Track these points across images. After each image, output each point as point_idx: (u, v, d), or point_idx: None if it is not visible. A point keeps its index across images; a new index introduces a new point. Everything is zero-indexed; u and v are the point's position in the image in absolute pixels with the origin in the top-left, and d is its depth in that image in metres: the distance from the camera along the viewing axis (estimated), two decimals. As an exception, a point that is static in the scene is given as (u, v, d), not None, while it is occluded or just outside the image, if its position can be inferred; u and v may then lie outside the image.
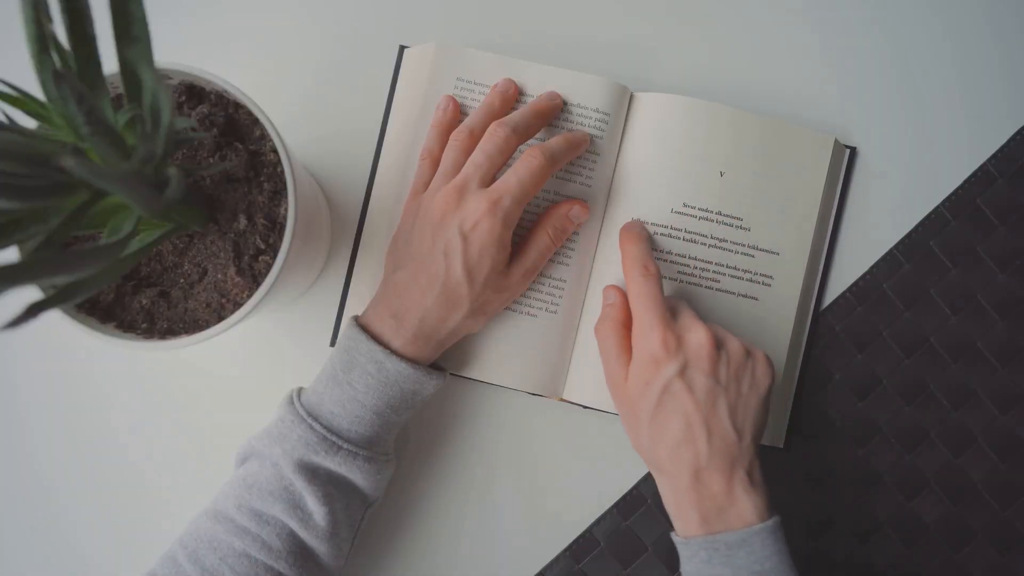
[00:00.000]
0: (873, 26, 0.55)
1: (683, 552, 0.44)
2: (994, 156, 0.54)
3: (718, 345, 0.44)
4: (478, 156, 0.47)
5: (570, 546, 0.53)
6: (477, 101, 0.52)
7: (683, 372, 0.43)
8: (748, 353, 0.45)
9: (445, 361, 0.51)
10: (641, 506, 0.53)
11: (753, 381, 0.44)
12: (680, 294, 0.51)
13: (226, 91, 0.42)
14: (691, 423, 0.43)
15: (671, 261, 0.51)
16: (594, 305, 0.52)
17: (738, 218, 0.51)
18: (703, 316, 0.51)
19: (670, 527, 0.46)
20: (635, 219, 0.51)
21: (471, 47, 0.53)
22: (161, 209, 0.33)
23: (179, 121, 0.37)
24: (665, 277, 0.51)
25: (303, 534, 0.44)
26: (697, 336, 0.44)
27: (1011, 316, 0.54)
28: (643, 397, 0.44)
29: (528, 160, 0.46)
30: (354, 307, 0.53)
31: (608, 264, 0.51)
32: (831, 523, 0.53)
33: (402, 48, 0.54)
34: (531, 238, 0.49)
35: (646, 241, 0.48)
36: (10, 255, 0.46)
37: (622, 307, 0.48)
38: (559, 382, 0.52)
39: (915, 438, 0.54)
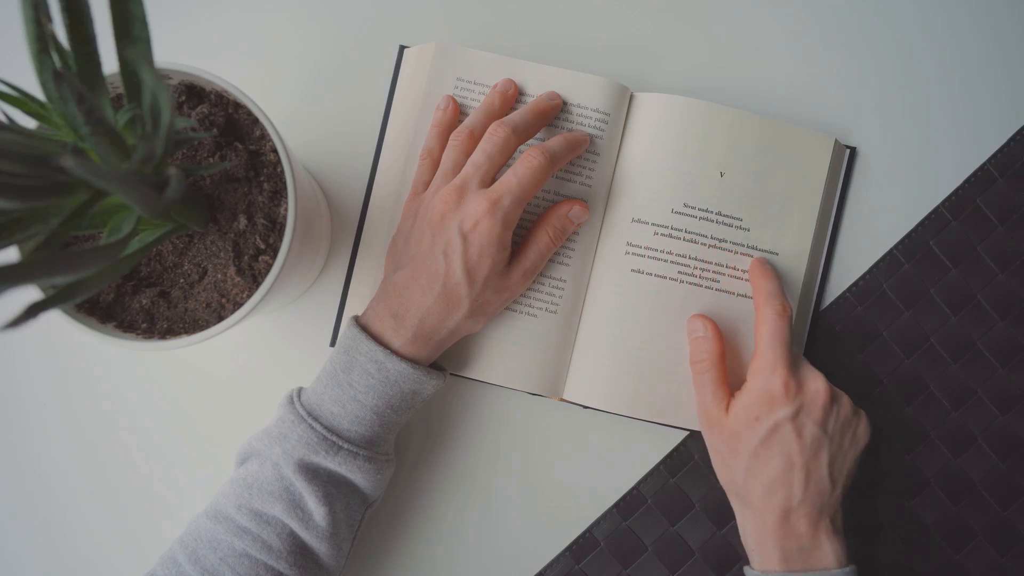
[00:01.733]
0: (873, 26, 0.55)
1: None
2: (994, 156, 0.54)
3: (833, 398, 0.46)
4: (478, 156, 0.47)
5: (570, 546, 0.53)
6: (477, 101, 0.52)
7: (796, 416, 0.45)
8: (855, 411, 0.47)
9: (445, 361, 0.51)
10: (641, 506, 0.53)
11: (854, 437, 0.47)
12: (680, 294, 0.51)
13: (226, 91, 0.42)
14: (792, 466, 0.45)
15: (671, 261, 0.51)
16: (594, 305, 0.52)
17: (738, 218, 0.51)
18: (703, 316, 0.51)
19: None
20: (764, 257, 0.51)
21: (471, 47, 0.53)
22: (161, 209, 0.33)
23: (179, 121, 0.37)
24: (665, 277, 0.51)
25: (303, 534, 0.44)
26: (817, 386, 0.46)
27: (1011, 316, 0.54)
28: (749, 431, 0.45)
29: (528, 160, 0.46)
30: (354, 307, 0.53)
31: (608, 264, 0.51)
32: (831, 523, 0.53)
33: (402, 48, 0.54)
34: (531, 238, 0.49)
35: (778, 279, 0.50)
36: (10, 255, 0.46)
37: (716, 339, 0.49)
38: (559, 382, 0.52)
39: (915, 438, 0.54)
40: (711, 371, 0.48)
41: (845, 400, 0.47)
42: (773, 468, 0.45)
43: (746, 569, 0.47)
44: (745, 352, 0.51)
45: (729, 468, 0.47)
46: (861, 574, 0.53)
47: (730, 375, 0.49)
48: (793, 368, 0.46)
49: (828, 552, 0.45)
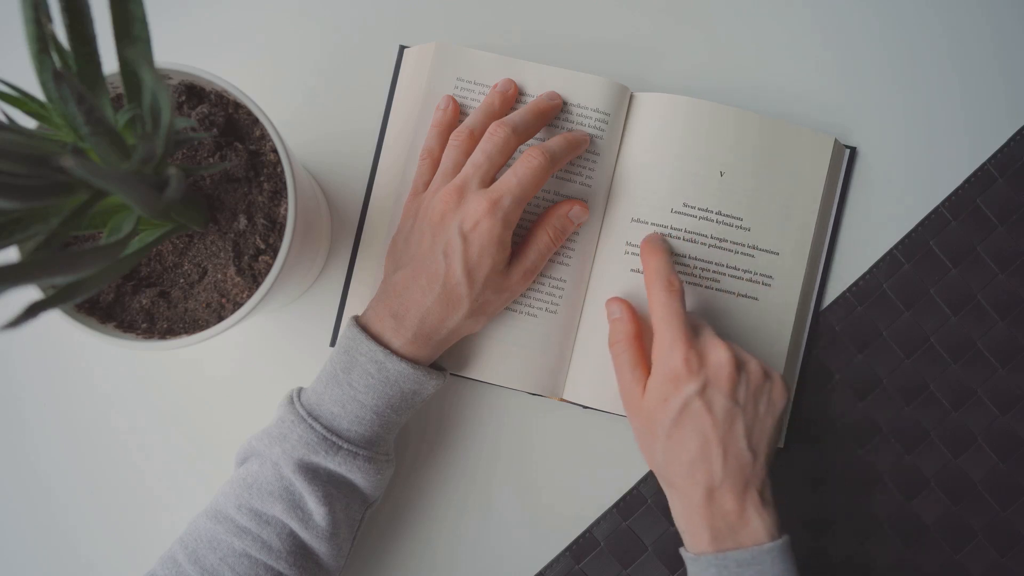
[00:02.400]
0: (873, 26, 0.55)
1: (692, 568, 0.44)
2: (994, 156, 0.54)
3: (739, 365, 0.44)
4: (478, 156, 0.47)
5: (570, 546, 0.53)
6: (477, 101, 0.52)
7: (703, 391, 0.43)
8: (766, 375, 0.45)
9: (445, 361, 0.51)
10: (641, 506, 0.53)
11: (770, 403, 0.45)
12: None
13: (226, 91, 0.42)
14: (708, 442, 0.43)
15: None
16: (594, 305, 0.52)
17: (738, 218, 0.51)
18: (703, 316, 0.51)
19: (679, 542, 0.46)
20: (656, 232, 0.51)
21: (471, 47, 0.53)
22: (161, 209, 0.33)
23: (179, 121, 0.37)
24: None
25: (303, 534, 0.44)
26: (719, 356, 0.44)
27: (1011, 316, 0.54)
28: (661, 413, 0.44)
29: (528, 160, 0.46)
30: (354, 307, 0.53)
31: (608, 264, 0.51)
32: (831, 523, 0.53)
33: (402, 48, 0.54)
34: (531, 238, 0.49)
35: (668, 254, 0.48)
36: (10, 255, 0.46)
37: (631, 320, 0.48)
38: (559, 382, 0.52)
39: (915, 438, 0.54)
40: (627, 352, 0.47)
41: (754, 365, 0.45)
42: (690, 447, 0.43)
43: (680, 551, 0.46)
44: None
45: (651, 450, 0.46)
46: (861, 574, 0.53)
47: None
48: (693, 342, 0.44)
49: (758, 526, 0.43)
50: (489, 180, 0.47)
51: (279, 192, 0.43)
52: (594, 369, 0.51)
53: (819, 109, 0.55)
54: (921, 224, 0.54)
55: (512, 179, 0.45)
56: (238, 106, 0.44)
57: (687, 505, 0.44)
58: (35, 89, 0.33)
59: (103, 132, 0.30)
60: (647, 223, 0.51)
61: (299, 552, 0.44)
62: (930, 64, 0.55)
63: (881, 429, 0.54)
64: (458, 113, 0.52)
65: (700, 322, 0.47)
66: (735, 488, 0.43)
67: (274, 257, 0.42)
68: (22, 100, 0.34)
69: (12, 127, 0.31)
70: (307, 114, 0.55)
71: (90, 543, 0.53)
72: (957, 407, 0.54)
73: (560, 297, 0.51)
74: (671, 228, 0.51)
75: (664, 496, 0.53)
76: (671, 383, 0.44)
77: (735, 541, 0.43)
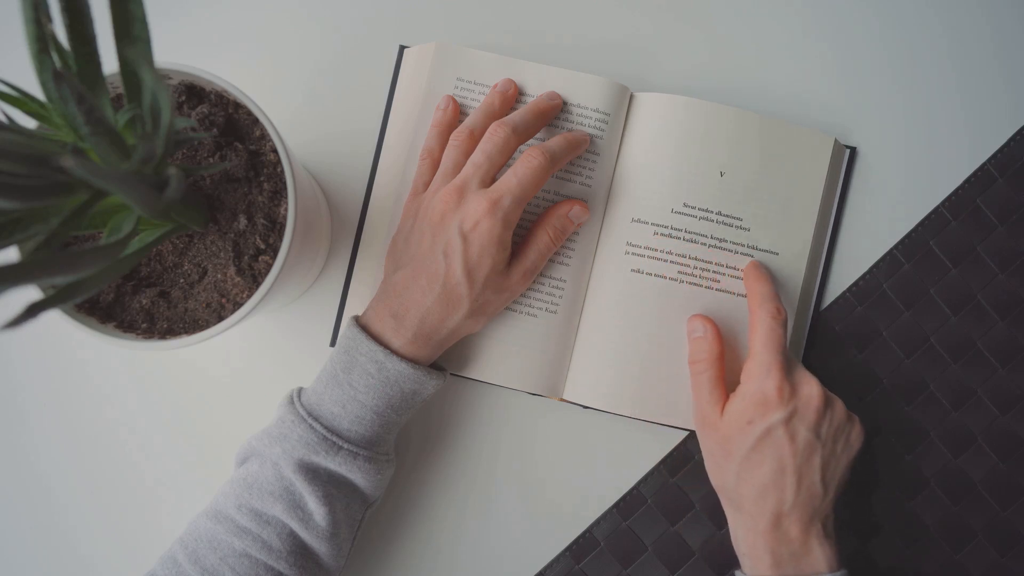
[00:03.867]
0: (873, 26, 0.55)
1: None
2: (994, 156, 0.54)
3: (826, 402, 0.45)
4: (478, 156, 0.47)
5: (570, 546, 0.53)
6: (477, 101, 0.52)
7: (789, 420, 0.44)
8: (849, 417, 0.47)
9: (445, 361, 0.51)
10: (641, 506, 0.53)
11: (847, 443, 0.46)
12: (680, 294, 0.51)
13: (226, 91, 0.42)
14: (784, 470, 0.44)
15: (671, 261, 0.51)
16: (594, 305, 0.52)
17: (738, 218, 0.51)
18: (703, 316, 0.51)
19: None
20: (756, 260, 0.51)
21: (471, 47, 0.53)
22: (161, 209, 0.33)
23: (179, 121, 0.37)
24: (664, 277, 0.51)
25: (303, 534, 0.44)
26: (811, 390, 0.45)
27: (1011, 316, 0.54)
28: (741, 435, 0.45)
29: (528, 160, 0.46)
30: (354, 307, 0.53)
31: (608, 264, 0.51)
32: (831, 523, 0.53)
33: (402, 48, 0.54)
34: (531, 238, 0.49)
35: (772, 282, 0.49)
36: (10, 255, 0.46)
37: (716, 340, 0.49)
38: (559, 382, 0.52)
39: (915, 438, 0.54)
40: (709, 371, 0.48)
41: (839, 405, 0.46)
42: (765, 472, 0.45)
43: (737, 573, 0.47)
44: (744, 353, 0.51)
45: (722, 471, 0.47)
46: (861, 575, 0.53)
47: (728, 375, 0.49)
48: (787, 372, 0.46)
49: (819, 557, 0.44)
50: (489, 180, 0.47)
51: (279, 192, 0.43)
52: (594, 369, 0.51)
53: (819, 109, 0.55)
54: (921, 224, 0.54)
55: (512, 179, 0.45)
56: (238, 106, 0.44)
57: (751, 529, 0.45)
58: (35, 89, 0.33)
59: (103, 132, 0.30)
60: (647, 223, 0.51)
61: (299, 552, 0.44)
62: (930, 64, 0.55)
63: (881, 429, 0.54)
64: (458, 113, 0.52)
65: (793, 357, 0.48)
66: (802, 518, 0.44)
67: (274, 257, 0.42)
68: (22, 100, 0.34)
69: (12, 127, 0.31)
70: (307, 114, 0.55)
71: (90, 543, 0.54)
72: (957, 407, 0.54)
73: (560, 297, 0.51)
74: (671, 228, 0.51)
75: (664, 495, 0.53)
76: (759, 407, 0.45)
77: (796, 569, 0.44)
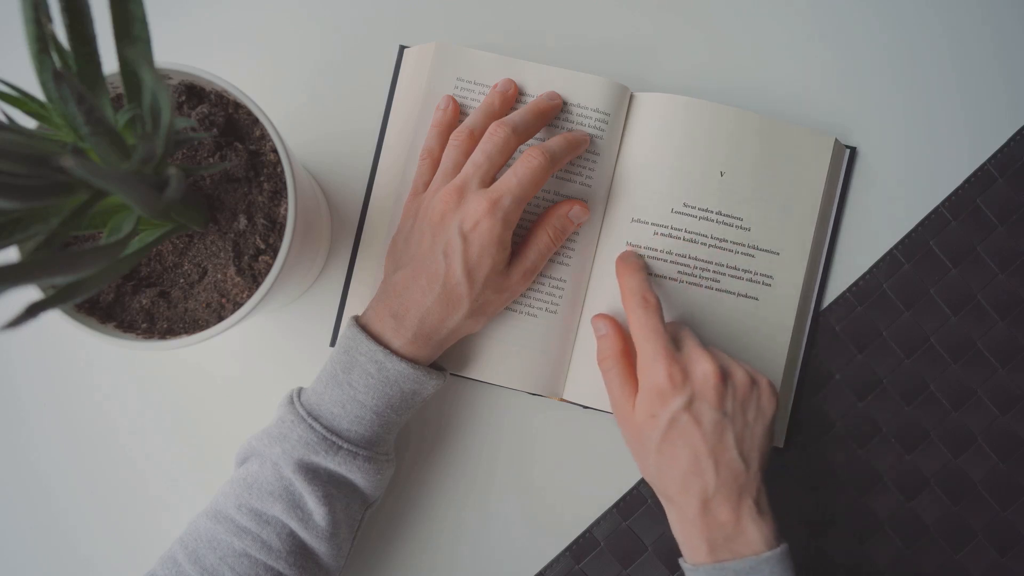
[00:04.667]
0: (873, 26, 0.55)
1: None
2: (994, 156, 0.54)
3: (724, 375, 0.44)
4: (478, 156, 0.47)
5: (570, 546, 0.53)
6: (477, 101, 0.52)
7: (690, 405, 0.43)
8: (753, 382, 0.45)
9: (445, 361, 0.51)
10: (641, 506, 0.53)
11: (758, 410, 0.45)
12: (680, 294, 0.51)
13: (226, 91, 0.42)
14: (698, 455, 0.43)
15: (671, 261, 0.51)
16: (594, 305, 0.52)
17: (738, 218, 0.51)
18: (703, 316, 0.51)
19: (678, 552, 0.47)
20: (629, 248, 0.51)
21: (471, 47, 0.53)
22: (161, 209, 0.33)
23: (179, 121, 0.37)
24: (664, 277, 0.51)
25: (303, 534, 0.44)
26: (703, 368, 0.44)
27: (1011, 316, 0.54)
28: (650, 428, 0.44)
29: (528, 160, 0.46)
30: (354, 307, 0.53)
31: (608, 264, 0.51)
32: (831, 523, 0.53)
33: (402, 48, 0.54)
34: (531, 238, 0.49)
35: (643, 271, 0.48)
36: (10, 255, 0.46)
37: (617, 336, 0.48)
38: (559, 382, 0.52)
39: (915, 438, 0.54)
40: (615, 367, 0.47)
41: (740, 373, 0.45)
42: (681, 461, 0.43)
43: (680, 561, 0.46)
44: (746, 353, 0.52)
45: (644, 464, 0.46)
46: (861, 575, 0.53)
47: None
48: (675, 356, 0.44)
49: (755, 536, 0.43)
50: (489, 180, 0.47)
51: (279, 192, 0.43)
52: (594, 369, 0.51)
53: (819, 109, 0.55)
54: (921, 224, 0.54)
55: (512, 179, 0.45)
56: (238, 106, 0.44)
57: (683, 517, 0.44)
58: (35, 89, 0.33)
59: (103, 132, 0.30)
60: (647, 223, 0.51)
61: (299, 552, 0.44)
62: (930, 64, 0.55)
63: (881, 429, 0.54)
64: (458, 113, 0.52)
65: (683, 333, 0.47)
66: (729, 498, 0.43)
67: (274, 257, 0.42)
68: (22, 100, 0.34)
69: (12, 127, 0.31)
70: (307, 114, 0.55)
71: (90, 543, 0.53)
72: (957, 407, 0.54)
73: (560, 297, 0.51)
74: (671, 228, 0.51)
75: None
76: (657, 399, 0.44)
77: (732, 551, 0.43)
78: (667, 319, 0.51)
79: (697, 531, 0.44)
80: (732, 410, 0.44)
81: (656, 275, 0.51)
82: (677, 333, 0.47)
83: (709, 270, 0.51)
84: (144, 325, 0.43)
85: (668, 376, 0.43)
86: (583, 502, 0.54)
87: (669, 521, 0.46)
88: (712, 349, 0.46)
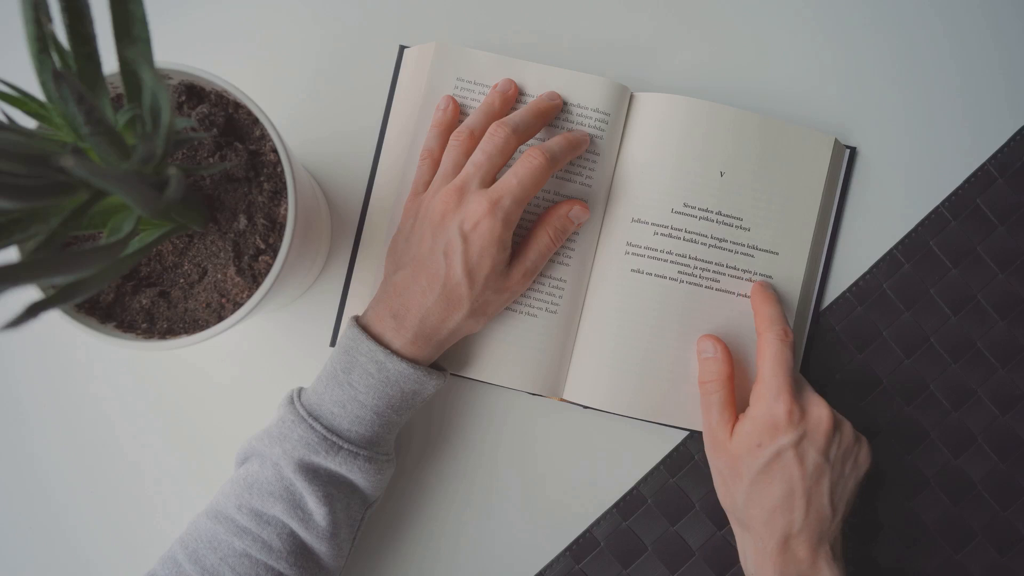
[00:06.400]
0: (873, 26, 0.55)
1: None
2: (994, 156, 0.54)
3: (835, 424, 0.46)
4: (478, 156, 0.47)
5: (570, 546, 0.53)
6: (477, 101, 0.52)
7: (798, 443, 0.45)
8: (857, 438, 0.47)
9: (445, 361, 0.51)
10: (641, 506, 0.53)
11: (855, 465, 0.47)
12: (680, 294, 0.51)
13: (226, 91, 0.42)
14: (793, 492, 0.45)
15: (671, 261, 0.51)
16: (594, 305, 0.52)
17: (738, 218, 0.51)
18: (703, 316, 0.51)
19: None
20: (764, 280, 0.52)
21: (471, 47, 0.53)
22: (161, 209, 0.33)
23: (179, 121, 0.37)
24: (664, 277, 0.51)
25: (303, 534, 0.44)
26: (820, 413, 0.46)
27: (1011, 316, 0.54)
28: (751, 457, 0.45)
29: (528, 160, 0.46)
30: (354, 307, 0.53)
31: (608, 264, 0.51)
32: (831, 523, 0.53)
33: (402, 48, 0.54)
34: (531, 238, 0.49)
35: (780, 303, 0.50)
36: (10, 255, 0.46)
37: (726, 361, 0.49)
38: (559, 382, 0.52)
39: (915, 438, 0.54)
40: (718, 392, 0.48)
41: (847, 427, 0.47)
42: (774, 494, 0.45)
43: None
44: (746, 352, 0.51)
45: (731, 491, 0.47)
46: (862, 575, 0.53)
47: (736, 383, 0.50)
48: (796, 394, 0.46)
49: None
50: (489, 180, 0.47)
51: (279, 192, 0.43)
52: (594, 369, 0.51)
53: (819, 109, 0.55)
54: (921, 224, 0.54)
55: (512, 179, 0.45)
56: (238, 106, 0.44)
57: (760, 550, 0.46)
58: (35, 89, 0.33)
59: (103, 132, 0.30)
60: (647, 223, 0.51)
61: (299, 552, 0.44)
62: (930, 64, 0.55)
63: (881, 429, 0.54)
64: (458, 113, 0.52)
65: (801, 377, 0.49)
66: (811, 540, 0.45)
67: (274, 257, 0.42)
68: (22, 100, 0.34)
69: (12, 127, 0.31)
70: (307, 114, 0.55)
71: (90, 543, 0.54)
72: (957, 407, 0.54)
73: (560, 297, 0.51)
74: (671, 228, 0.51)
75: (664, 495, 0.53)
76: (769, 430, 0.45)
77: None
78: (667, 319, 0.51)
79: (772, 565, 0.45)
80: (834, 459, 0.45)
81: (656, 275, 0.51)
82: (797, 376, 0.48)
83: (709, 270, 0.51)
84: (144, 325, 0.43)
85: (788, 412, 0.45)
86: (583, 502, 0.54)
87: (740, 552, 0.48)
88: (827, 402, 0.47)
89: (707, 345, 0.50)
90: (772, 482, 0.45)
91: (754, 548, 0.46)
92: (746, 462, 0.45)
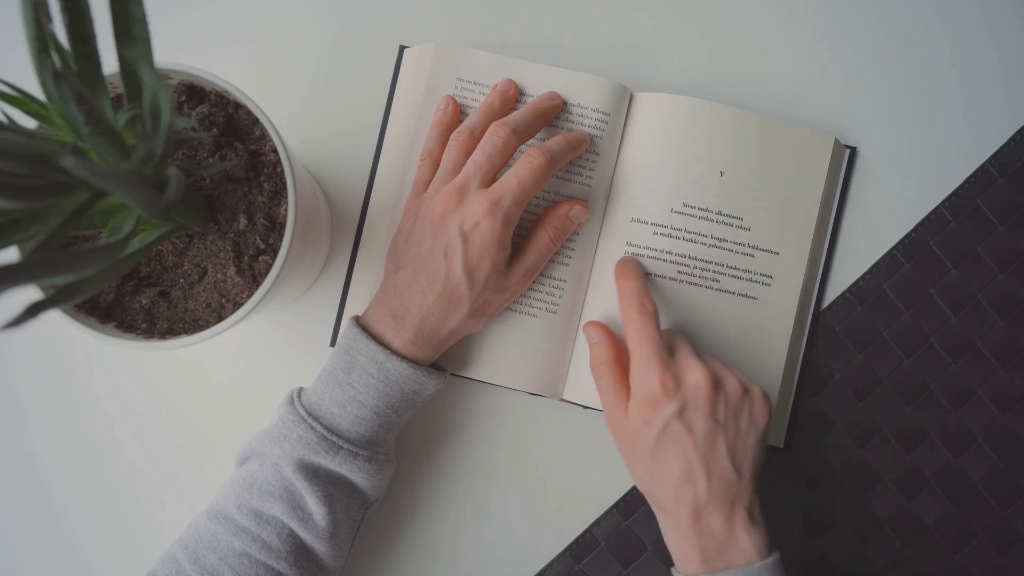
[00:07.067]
0: (873, 26, 0.55)
1: None
2: (994, 156, 0.54)
3: (716, 384, 0.44)
4: (478, 156, 0.47)
5: (570, 546, 0.53)
6: (477, 101, 0.52)
7: (682, 413, 0.43)
8: (745, 390, 0.45)
9: (445, 361, 0.51)
10: (641, 506, 0.53)
11: (751, 419, 0.45)
12: (680, 294, 0.51)
13: (226, 91, 0.42)
14: (690, 464, 0.43)
15: (671, 261, 0.51)
16: (594, 305, 0.52)
17: (738, 218, 0.51)
18: (703, 316, 0.51)
19: (670, 563, 0.46)
20: (629, 254, 0.51)
21: (471, 47, 0.53)
22: (161, 209, 0.33)
23: (179, 121, 0.37)
24: (664, 277, 0.51)
25: (303, 534, 0.44)
26: (695, 376, 0.44)
27: (1011, 316, 0.54)
28: (642, 436, 0.44)
29: (528, 160, 0.46)
30: (354, 307, 0.53)
31: (608, 264, 0.51)
32: (831, 523, 0.53)
33: (402, 48, 0.54)
34: (531, 238, 0.49)
35: (641, 277, 0.48)
36: (10, 255, 0.46)
37: (609, 344, 0.48)
38: (559, 382, 0.52)
39: (915, 438, 0.54)
40: (607, 376, 0.47)
41: (732, 382, 0.44)
42: (673, 469, 0.43)
43: (671, 571, 0.46)
44: (746, 352, 0.52)
45: (636, 473, 0.46)
46: (861, 575, 0.53)
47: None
48: (668, 363, 0.44)
49: (747, 545, 0.43)
50: (489, 180, 0.47)
51: (279, 192, 0.43)
52: (594, 369, 0.51)
53: (819, 109, 0.55)
54: (921, 224, 0.54)
55: (512, 179, 0.45)
56: (238, 106, 0.44)
57: (675, 527, 0.44)
58: (35, 89, 0.33)
59: (103, 132, 0.30)
60: (647, 223, 0.51)
61: (299, 552, 0.44)
62: (930, 64, 0.55)
63: (881, 429, 0.54)
64: (458, 113, 0.52)
65: (678, 340, 0.47)
66: (722, 508, 0.43)
67: (274, 257, 0.42)
68: (22, 100, 0.34)
69: (12, 127, 0.31)
70: (307, 114, 0.55)
71: (90, 543, 0.53)
72: (957, 407, 0.54)
73: (560, 297, 0.51)
74: (671, 228, 0.51)
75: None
76: (649, 406, 0.44)
77: (725, 561, 0.43)
78: (667, 320, 0.51)
79: (689, 541, 0.43)
80: (724, 418, 0.44)
81: (656, 275, 0.51)
82: (672, 341, 0.47)
83: (709, 270, 0.51)
84: (144, 325, 0.43)
85: (661, 383, 0.43)
86: (583, 502, 0.54)
87: (662, 530, 0.46)
88: (706, 357, 0.46)
89: (591, 331, 0.49)
90: (668, 457, 0.43)
91: (669, 526, 0.45)
92: (640, 442, 0.44)
